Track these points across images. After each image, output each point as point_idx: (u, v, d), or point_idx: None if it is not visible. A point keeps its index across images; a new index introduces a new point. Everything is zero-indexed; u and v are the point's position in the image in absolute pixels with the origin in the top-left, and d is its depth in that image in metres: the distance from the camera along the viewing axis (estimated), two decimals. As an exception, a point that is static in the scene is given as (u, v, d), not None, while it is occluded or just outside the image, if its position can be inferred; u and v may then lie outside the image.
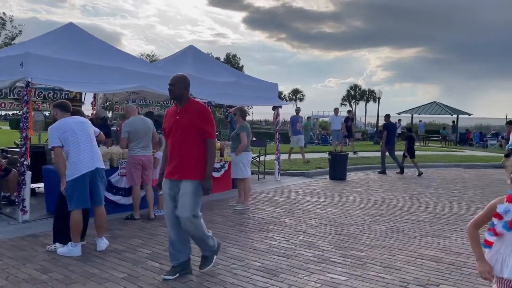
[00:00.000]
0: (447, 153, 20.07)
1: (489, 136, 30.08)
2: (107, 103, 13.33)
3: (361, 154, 17.40)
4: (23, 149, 6.36)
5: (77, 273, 4.33)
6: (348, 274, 4.44)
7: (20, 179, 6.38)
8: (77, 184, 4.86)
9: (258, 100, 10.36)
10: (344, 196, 9.15)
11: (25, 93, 6.30)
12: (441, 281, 4.31)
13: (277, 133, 11.28)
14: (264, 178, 11.36)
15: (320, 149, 19.17)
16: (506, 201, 2.32)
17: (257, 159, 11.33)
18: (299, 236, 5.90)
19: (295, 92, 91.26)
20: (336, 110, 17.89)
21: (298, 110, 15.54)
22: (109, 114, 12.80)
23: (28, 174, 6.43)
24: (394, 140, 13.26)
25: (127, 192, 7.14)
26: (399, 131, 26.82)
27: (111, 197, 7.05)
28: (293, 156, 14.70)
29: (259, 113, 73.97)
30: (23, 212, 6.37)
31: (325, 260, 4.92)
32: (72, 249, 4.87)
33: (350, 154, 14.77)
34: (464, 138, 30.91)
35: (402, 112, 32.18)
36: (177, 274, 4.20)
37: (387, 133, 12.88)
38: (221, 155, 9.29)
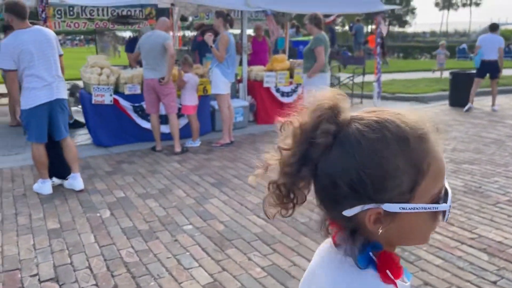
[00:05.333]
0: None
1: None
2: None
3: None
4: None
5: (10, 221, 3.82)
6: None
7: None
8: (32, 115, 4.20)
9: (343, 5, 8.24)
10: (446, 130, 6.97)
11: (40, 10, 5.82)
12: (466, 297, 2.58)
13: (378, 47, 9.12)
14: (361, 103, 9.55)
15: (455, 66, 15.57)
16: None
17: (351, 80, 9.50)
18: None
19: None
20: None
21: None
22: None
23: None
24: None
25: (163, 119, 6.43)
26: None
27: (145, 124, 6.46)
28: (408, 75, 12.16)
29: (421, 23, 65.52)
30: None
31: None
32: (41, 185, 4.40)
33: None
34: None
35: None
36: None
37: None
38: (291, 76, 7.84)
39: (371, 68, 9.69)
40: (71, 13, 9.09)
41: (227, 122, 6.24)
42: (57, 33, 8.30)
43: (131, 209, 3.95)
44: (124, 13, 9.31)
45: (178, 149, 5.87)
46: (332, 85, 10.30)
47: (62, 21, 9.20)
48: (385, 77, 13.05)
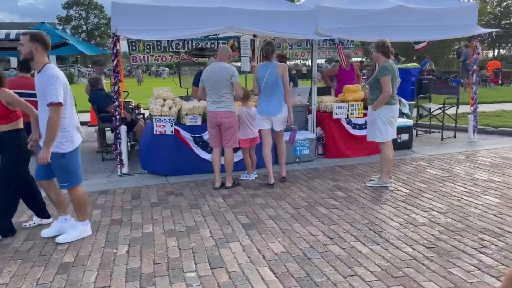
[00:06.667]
0: None
1: None
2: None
3: None
4: (116, 102, 6.34)
5: (36, 250, 3.91)
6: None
7: (116, 133, 6.43)
8: (76, 155, 4.03)
9: (435, 31, 7.43)
10: (551, 175, 5.78)
11: (112, 45, 6.14)
12: None
13: (474, 75, 8.03)
14: (454, 137, 8.46)
15: None
16: None
17: (443, 111, 8.49)
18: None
19: None
20: None
21: None
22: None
23: (123, 128, 6.43)
24: None
25: (223, 151, 6.30)
26: None
27: (204, 155, 6.40)
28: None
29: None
30: (120, 166, 6.47)
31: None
32: (83, 228, 4.16)
33: None
34: None
35: None
36: None
37: None
38: (365, 108, 7.23)
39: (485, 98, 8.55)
40: (159, 47, 9.62)
41: (269, 161, 5.79)
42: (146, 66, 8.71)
43: (148, 247, 3.81)
44: (208, 46, 9.57)
45: (229, 184, 5.67)
46: (421, 116, 9.36)
47: (151, 55, 9.78)
48: (493, 107, 11.58)
